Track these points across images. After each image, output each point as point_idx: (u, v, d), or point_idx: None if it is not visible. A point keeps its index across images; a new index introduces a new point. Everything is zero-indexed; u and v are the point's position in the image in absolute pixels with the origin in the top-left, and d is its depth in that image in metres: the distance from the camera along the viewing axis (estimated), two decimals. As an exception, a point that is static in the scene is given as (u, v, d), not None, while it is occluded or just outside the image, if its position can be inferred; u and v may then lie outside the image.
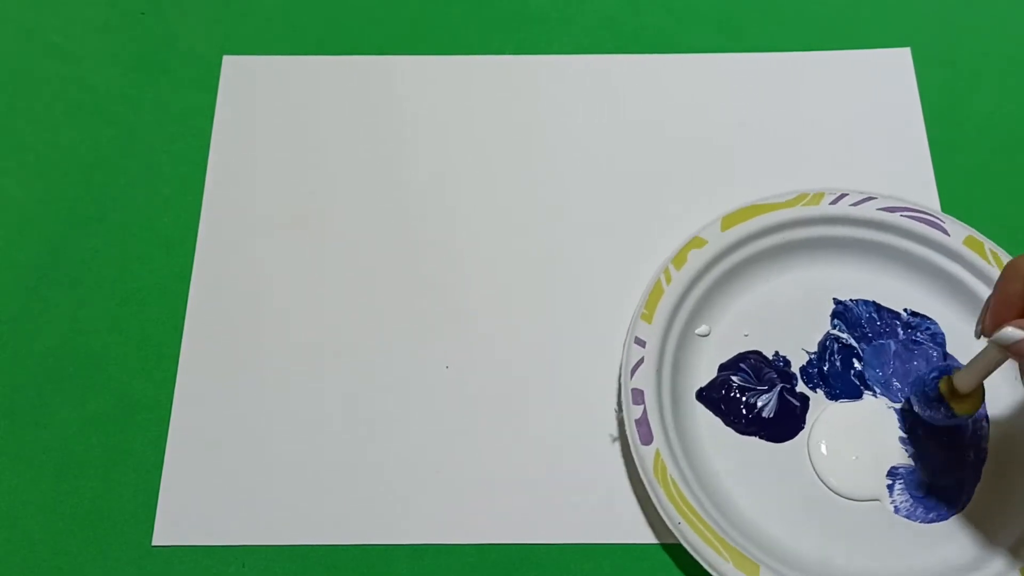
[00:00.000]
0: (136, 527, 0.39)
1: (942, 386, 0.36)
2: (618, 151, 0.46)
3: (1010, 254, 0.44)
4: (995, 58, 0.48)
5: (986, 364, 0.34)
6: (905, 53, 0.48)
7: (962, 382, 0.36)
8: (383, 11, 0.50)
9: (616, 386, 0.41)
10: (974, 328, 0.34)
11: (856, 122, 0.47)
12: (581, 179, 0.46)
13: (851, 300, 0.42)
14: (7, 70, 0.49)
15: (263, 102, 0.48)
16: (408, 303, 0.43)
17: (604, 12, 0.50)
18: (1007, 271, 0.32)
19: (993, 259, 0.40)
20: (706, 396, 0.40)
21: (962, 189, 0.45)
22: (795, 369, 0.41)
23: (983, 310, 0.33)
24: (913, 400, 0.38)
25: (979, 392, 0.36)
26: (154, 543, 0.39)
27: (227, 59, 0.49)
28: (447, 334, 0.43)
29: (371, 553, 0.39)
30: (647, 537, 0.38)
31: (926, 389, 0.37)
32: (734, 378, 0.41)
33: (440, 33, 0.50)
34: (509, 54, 0.49)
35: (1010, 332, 0.31)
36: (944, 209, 0.44)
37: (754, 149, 0.46)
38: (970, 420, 0.38)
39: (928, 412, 0.38)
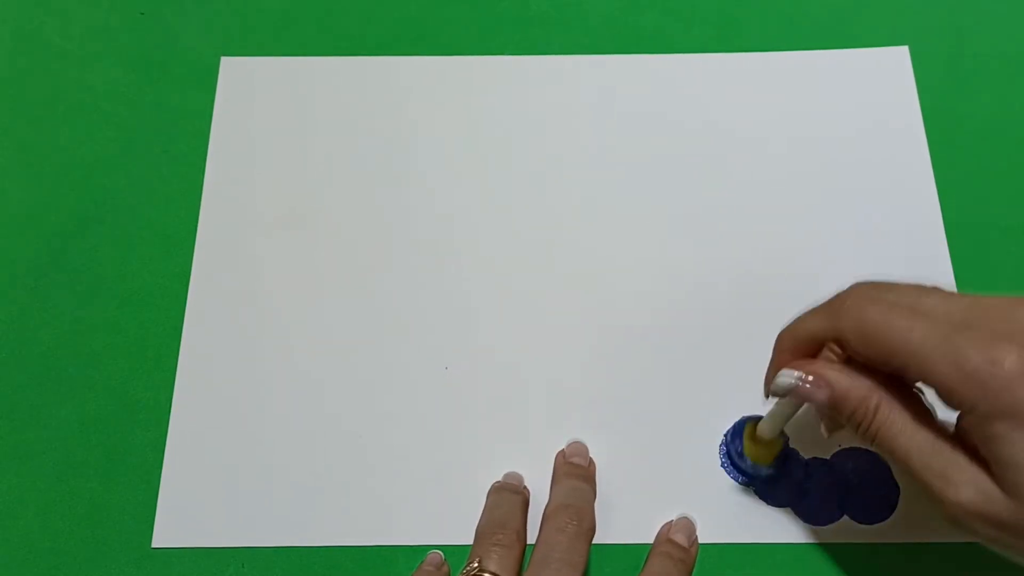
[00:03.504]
0: (135, 528, 0.39)
1: (747, 430, 0.38)
2: (618, 152, 0.46)
3: (1011, 254, 0.44)
4: (994, 57, 0.48)
5: (781, 412, 0.36)
6: (903, 52, 0.48)
7: (762, 429, 0.37)
8: (382, 11, 0.50)
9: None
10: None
11: (855, 121, 0.47)
12: (581, 179, 0.46)
13: None
14: (6, 70, 0.49)
15: (261, 103, 0.48)
16: (407, 304, 0.43)
17: (604, 12, 0.50)
18: (776, 344, 0.35)
19: None
20: None
21: (961, 188, 0.45)
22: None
23: (766, 379, 0.36)
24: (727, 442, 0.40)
25: (776, 445, 0.38)
26: (153, 545, 0.39)
27: (225, 60, 0.49)
28: (447, 335, 0.43)
29: (371, 553, 0.39)
30: (646, 537, 0.38)
31: (735, 431, 0.39)
32: None
33: (439, 33, 0.50)
34: (509, 55, 0.49)
35: (781, 379, 0.33)
36: (943, 208, 0.44)
37: (752, 148, 0.46)
38: (768, 472, 0.39)
39: (731, 456, 0.39)
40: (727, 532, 0.39)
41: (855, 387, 0.32)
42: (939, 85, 0.47)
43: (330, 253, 0.44)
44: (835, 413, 0.33)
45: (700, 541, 0.38)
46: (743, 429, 0.39)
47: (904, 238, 0.44)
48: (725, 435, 0.40)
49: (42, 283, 0.44)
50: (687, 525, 0.38)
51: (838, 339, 0.32)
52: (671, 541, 0.37)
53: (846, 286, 0.33)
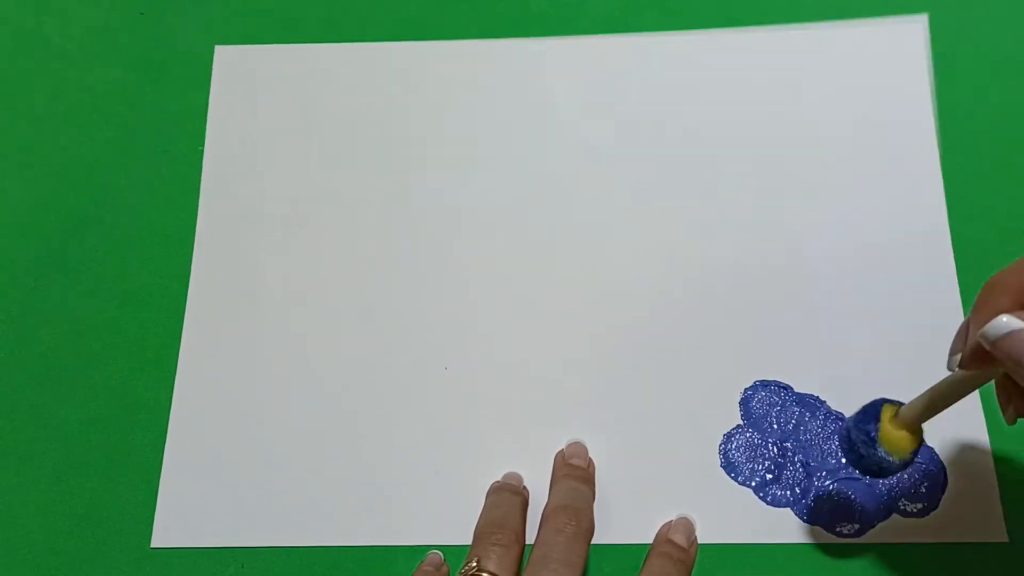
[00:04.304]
0: (135, 529, 0.39)
1: (885, 413, 0.33)
2: (621, 148, 0.46)
3: (1015, 254, 0.43)
4: (1008, 48, 0.47)
5: (950, 389, 0.30)
6: (918, 25, 0.46)
7: (910, 413, 0.32)
8: (381, 12, 0.50)
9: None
10: (947, 362, 0.30)
11: (862, 102, 0.46)
12: (582, 179, 0.46)
13: None
14: (7, 70, 0.49)
15: (258, 93, 0.47)
16: (407, 304, 0.43)
17: (604, 12, 0.50)
18: (986, 289, 0.29)
19: None
20: None
21: (967, 186, 0.44)
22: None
23: (956, 340, 0.30)
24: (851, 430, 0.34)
25: (919, 435, 0.33)
26: (153, 545, 0.39)
27: (219, 49, 0.48)
28: (446, 335, 0.43)
29: (370, 553, 0.39)
30: (646, 537, 0.38)
31: (866, 413, 0.33)
32: None
33: (439, 33, 0.49)
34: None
35: (998, 324, 0.27)
36: (949, 208, 0.44)
37: (758, 132, 0.46)
38: (899, 466, 0.33)
39: (854, 442, 0.33)
40: (726, 532, 0.39)
41: None
42: (955, 60, 0.46)
43: (330, 253, 0.44)
44: None
45: (699, 541, 0.38)
46: (878, 412, 0.33)
47: (907, 237, 0.44)
48: (848, 419, 0.34)
49: (42, 283, 0.44)
50: (686, 525, 0.38)
51: None
52: (670, 541, 0.37)
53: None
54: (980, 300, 0.29)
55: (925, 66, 0.46)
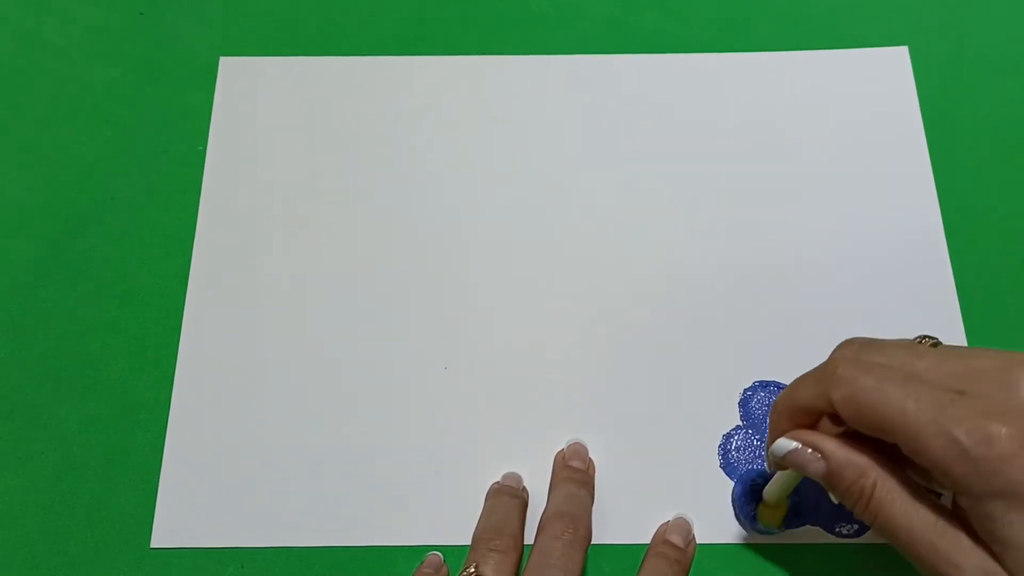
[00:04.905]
0: (134, 529, 0.39)
1: (757, 490, 0.38)
2: (617, 153, 0.46)
3: (1010, 253, 0.44)
4: (994, 56, 0.48)
5: (785, 479, 0.35)
6: (903, 52, 0.48)
7: (768, 493, 0.37)
8: (382, 11, 0.50)
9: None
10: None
11: (854, 121, 0.47)
12: (581, 179, 0.46)
13: None
14: (7, 70, 0.49)
15: (261, 103, 0.48)
16: (407, 304, 0.43)
17: (604, 12, 0.50)
18: (771, 414, 0.34)
19: None
20: None
21: (961, 189, 0.45)
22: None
23: (766, 450, 0.35)
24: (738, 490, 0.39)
25: (783, 507, 0.37)
26: (152, 545, 0.39)
27: (224, 60, 0.49)
28: (446, 335, 0.43)
29: (370, 554, 0.39)
30: (643, 538, 0.38)
31: (744, 494, 0.38)
32: None
33: (439, 33, 0.49)
34: (509, 54, 0.49)
35: (780, 444, 0.33)
36: (943, 209, 0.44)
37: (752, 148, 0.46)
38: (779, 531, 0.38)
39: (741, 518, 0.39)
40: (725, 532, 0.39)
41: (851, 462, 0.31)
42: (939, 85, 0.47)
43: (329, 253, 0.44)
44: (830, 488, 0.32)
45: (698, 541, 0.38)
46: (756, 491, 0.38)
47: (904, 239, 0.44)
48: (733, 492, 0.39)
49: (42, 283, 0.44)
50: (683, 526, 0.38)
51: (832, 410, 0.31)
52: (667, 542, 0.37)
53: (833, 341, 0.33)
54: (769, 423, 0.35)
55: (912, 84, 0.47)
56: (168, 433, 0.41)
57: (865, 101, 0.47)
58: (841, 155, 0.46)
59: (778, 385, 0.41)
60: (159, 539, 0.39)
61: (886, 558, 0.38)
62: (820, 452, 0.31)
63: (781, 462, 0.33)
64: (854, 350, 0.33)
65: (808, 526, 0.39)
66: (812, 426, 0.33)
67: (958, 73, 0.48)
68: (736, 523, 0.39)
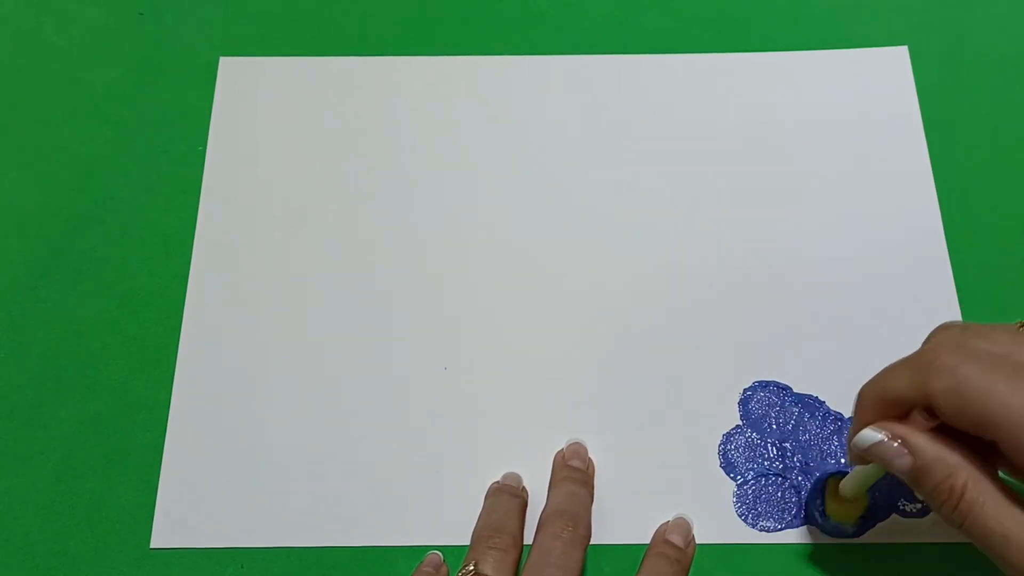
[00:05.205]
0: (134, 529, 0.39)
1: (829, 487, 0.37)
2: (617, 152, 0.46)
3: (1010, 253, 0.44)
4: (993, 57, 0.48)
5: (865, 473, 0.34)
6: (903, 52, 0.48)
7: (845, 487, 0.36)
8: (382, 11, 0.50)
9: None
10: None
11: (854, 121, 0.47)
12: (581, 179, 0.46)
13: None
14: (7, 70, 0.49)
15: (261, 103, 0.48)
16: (407, 303, 0.43)
17: (604, 12, 0.50)
18: (856, 403, 0.32)
19: None
20: None
21: (961, 189, 0.45)
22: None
23: (847, 442, 0.33)
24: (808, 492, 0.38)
25: (860, 504, 0.37)
26: (152, 545, 0.39)
27: (224, 60, 0.49)
28: (446, 335, 0.43)
29: (370, 554, 0.39)
30: (643, 538, 0.38)
31: (815, 488, 0.38)
32: None
33: (439, 33, 0.49)
34: (509, 54, 0.49)
35: (865, 435, 0.31)
36: (943, 209, 0.44)
37: (752, 148, 0.46)
38: (854, 531, 0.37)
39: (810, 514, 0.38)
40: (724, 532, 0.39)
41: (941, 459, 0.29)
42: (939, 85, 0.47)
43: (328, 254, 0.44)
44: (915, 486, 0.30)
45: (698, 541, 0.38)
46: (824, 486, 0.37)
47: (904, 239, 0.44)
48: (806, 491, 0.38)
49: (42, 283, 0.44)
50: (683, 525, 0.38)
51: (928, 403, 0.29)
52: (667, 542, 0.37)
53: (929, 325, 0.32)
54: (854, 412, 0.33)
55: (912, 84, 0.47)
56: (168, 433, 0.41)
57: (865, 101, 0.47)
58: (841, 155, 0.46)
59: (778, 385, 0.41)
60: (159, 539, 0.39)
61: (886, 558, 0.38)
62: (908, 447, 0.30)
63: (864, 454, 0.31)
64: (954, 335, 0.30)
65: (807, 526, 0.39)
66: (901, 419, 0.31)
67: (958, 73, 0.48)
68: (755, 522, 0.39)
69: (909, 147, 0.46)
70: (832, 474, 0.37)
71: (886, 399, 0.31)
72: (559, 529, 0.35)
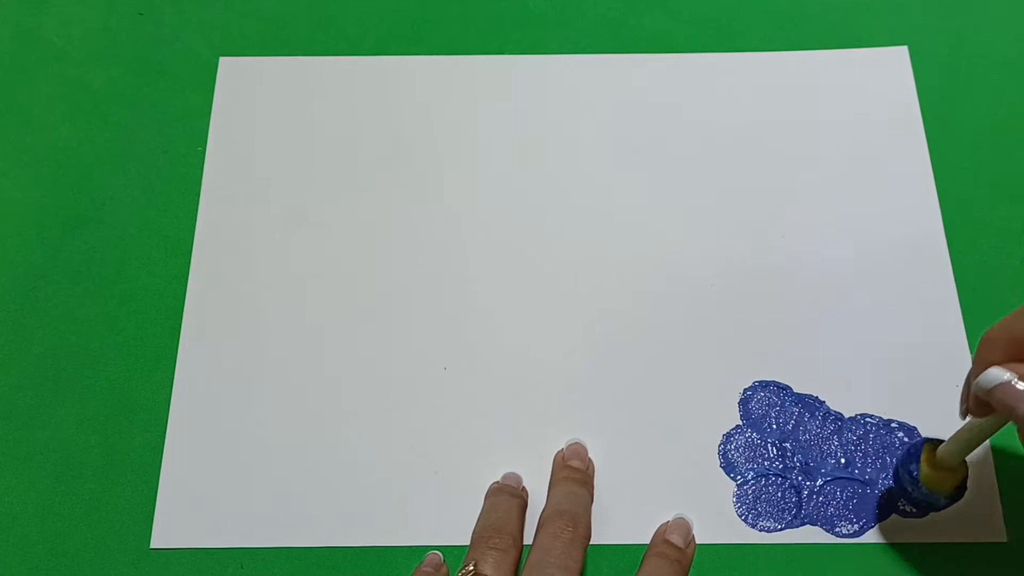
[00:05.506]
0: (134, 529, 0.39)
1: (924, 454, 0.35)
2: (616, 152, 0.46)
3: (1010, 253, 0.44)
4: (993, 57, 0.48)
5: (971, 433, 0.32)
6: (903, 52, 0.48)
7: (944, 453, 0.34)
8: (381, 11, 0.50)
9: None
10: (958, 410, 0.32)
11: (854, 121, 0.47)
12: (581, 179, 0.46)
13: None
14: (5, 70, 0.49)
15: (260, 103, 0.48)
16: (406, 304, 0.43)
17: (604, 12, 0.50)
18: (982, 344, 0.31)
19: None
20: None
21: (961, 189, 0.45)
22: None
23: (963, 391, 0.32)
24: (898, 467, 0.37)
25: (958, 472, 0.35)
26: (152, 545, 0.39)
27: (224, 60, 0.49)
28: (446, 335, 0.43)
29: (370, 554, 0.39)
30: (643, 538, 0.38)
31: (909, 454, 0.36)
32: None
33: (439, 33, 0.49)
34: (508, 54, 0.49)
35: (992, 373, 0.28)
36: (943, 209, 0.44)
37: (753, 148, 0.46)
38: (947, 502, 0.36)
39: (902, 481, 0.37)
40: (725, 532, 0.39)
41: None
42: (939, 85, 0.47)
43: (328, 254, 0.44)
44: None
45: (699, 541, 0.38)
46: (920, 451, 0.35)
47: (904, 239, 0.44)
48: (897, 457, 0.37)
49: (41, 283, 0.44)
50: (683, 525, 0.38)
51: None
52: (667, 542, 0.37)
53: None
54: (977, 354, 0.30)
55: (912, 84, 0.47)
56: (168, 433, 0.41)
57: (865, 101, 0.47)
58: (841, 155, 0.46)
59: (778, 385, 0.41)
60: (159, 539, 0.39)
61: (886, 558, 0.38)
62: None
63: (987, 396, 0.28)
64: None
65: (808, 526, 0.39)
66: None
67: (958, 73, 0.48)
68: (753, 520, 0.39)
69: (909, 147, 0.46)
70: (929, 440, 0.35)
71: (1015, 338, 0.28)
72: (559, 529, 0.35)
